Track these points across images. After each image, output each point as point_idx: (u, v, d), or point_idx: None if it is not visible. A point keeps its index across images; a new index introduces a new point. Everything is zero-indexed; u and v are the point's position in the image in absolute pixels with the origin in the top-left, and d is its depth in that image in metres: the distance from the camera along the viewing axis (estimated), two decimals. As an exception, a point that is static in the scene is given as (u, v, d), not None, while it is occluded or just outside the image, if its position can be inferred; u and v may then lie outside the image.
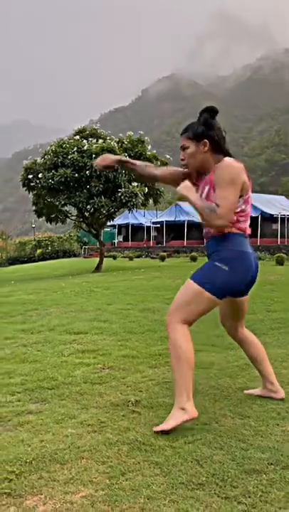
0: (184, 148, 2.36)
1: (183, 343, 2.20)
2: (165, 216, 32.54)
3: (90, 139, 15.13)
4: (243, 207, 2.29)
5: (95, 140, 14.95)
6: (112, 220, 18.90)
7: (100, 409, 2.48)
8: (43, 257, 30.93)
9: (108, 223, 20.13)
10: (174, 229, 31.85)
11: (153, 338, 4.24)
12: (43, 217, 16.68)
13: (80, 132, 15.95)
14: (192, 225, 29.76)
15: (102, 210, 14.84)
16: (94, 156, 14.04)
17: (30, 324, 5.14)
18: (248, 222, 2.35)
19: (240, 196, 2.25)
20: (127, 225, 34.82)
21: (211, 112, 2.33)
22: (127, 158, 2.69)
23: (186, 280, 2.31)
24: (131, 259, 24.18)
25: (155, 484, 1.68)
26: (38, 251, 31.90)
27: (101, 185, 14.36)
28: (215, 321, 4.97)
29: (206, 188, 2.32)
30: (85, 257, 29.34)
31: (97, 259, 16.88)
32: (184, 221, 30.07)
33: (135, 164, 2.61)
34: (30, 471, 1.82)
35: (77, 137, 15.39)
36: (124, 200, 14.54)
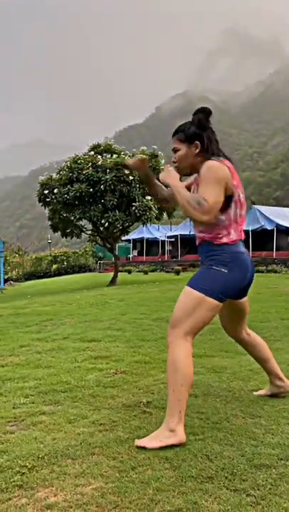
0: (175, 150, 2.28)
1: (183, 361, 2.05)
2: (180, 230, 32.58)
3: (105, 154, 15.37)
4: (238, 211, 2.20)
5: (109, 155, 15.17)
6: (127, 235, 19.02)
7: (111, 410, 2.50)
8: (58, 272, 31.18)
9: (123, 238, 20.27)
10: (189, 242, 31.80)
11: (166, 344, 4.22)
12: (59, 232, 16.88)
13: (94, 148, 16.21)
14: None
15: (116, 224, 14.97)
16: (108, 170, 14.24)
17: (45, 333, 5.20)
18: (243, 226, 2.25)
19: (230, 197, 2.15)
20: (141, 240, 34.94)
21: (204, 113, 2.25)
22: (152, 177, 2.59)
23: (183, 289, 2.19)
24: (146, 273, 24.21)
25: (164, 477, 1.69)
26: (54, 266, 32.20)
27: (115, 200, 14.52)
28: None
29: (196, 189, 2.27)
30: (100, 272, 29.48)
31: (112, 274, 16.96)
32: (195, 235, 30.03)
33: (154, 184, 2.53)
34: (42, 465, 1.85)
35: (92, 153, 15.64)
36: (138, 214, 14.65)
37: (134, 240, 35.13)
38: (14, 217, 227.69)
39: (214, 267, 2.16)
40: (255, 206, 30.25)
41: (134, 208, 14.64)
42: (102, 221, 15.16)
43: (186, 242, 31.92)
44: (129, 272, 25.33)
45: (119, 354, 3.90)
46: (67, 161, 15.45)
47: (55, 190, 14.92)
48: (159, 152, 16.09)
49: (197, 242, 2.33)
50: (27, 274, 32.06)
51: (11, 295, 15.20)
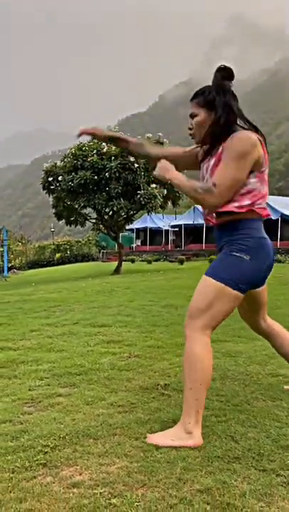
0: (192, 116, 2.06)
1: (203, 358, 1.88)
2: (183, 219, 32.46)
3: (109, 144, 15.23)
4: (258, 185, 1.98)
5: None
6: (131, 223, 18.93)
7: (129, 392, 2.48)
8: (62, 261, 31.15)
9: (126, 227, 20.18)
10: (193, 232, 31.75)
11: (177, 330, 4.22)
12: (63, 221, 16.82)
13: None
14: (211, 228, 29.59)
15: (121, 212, 14.89)
16: (113, 158, 14.13)
17: (54, 319, 5.18)
18: (265, 201, 2.04)
19: (251, 172, 1.95)
20: (145, 229, 34.85)
21: (226, 72, 1.99)
22: (121, 135, 2.40)
23: (202, 278, 2.00)
24: (149, 262, 24.17)
25: (190, 457, 1.67)
26: (57, 255, 32.16)
27: (120, 188, 14.42)
28: (239, 315, 4.94)
29: (212, 162, 2.02)
30: (103, 261, 29.45)
31: (116, 263, 16.93)
32: (203, 224, 29.94)
33: (129, 142, 2.33)
34: (65, 445, 1.83)
35: (96, 140, 15.50)
36: (143, 202, 14.55)
37: (137, 229, 35.06)
38: (16, 206, 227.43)
39: (236, 253, 1.96)
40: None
41: (139, 196, 14.54)
42: (107, 209, 15.08)
43: (190, 232, 31.86)
44: (133, 261, 25.30)
45: (132, 339, 3.87)
46: (71, 148, 15.32)
47: (60, 178, 14.84)
48: (164, 140, 15.95)
49: (213, 224, 2.15)
50: (30, 262, 32.06)
51: (15, 283, 15.21)
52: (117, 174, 14.10)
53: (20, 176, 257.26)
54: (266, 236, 2.05)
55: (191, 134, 2.10)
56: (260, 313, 2.34)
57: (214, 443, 1.78)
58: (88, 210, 16.40)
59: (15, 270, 25.01)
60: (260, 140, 1.96)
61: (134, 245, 35.96)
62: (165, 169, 2.04)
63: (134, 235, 36.26)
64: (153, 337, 3.94)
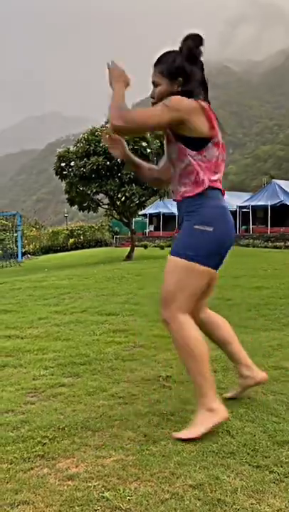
0: (155, 84, 1.96)
1: (190, 339, 1.84)
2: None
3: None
4: (216, 153, 1.90)
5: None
6: (144, 209, 18.87)
7: (131, 384, 2.50)
8: (75, 247, 31.33)
9: (139, 212, 20.14)
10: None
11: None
12: (76, 206, 16.84)
13: (111, 120, 15.94)
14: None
15: (133, 198, 14.85)
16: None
17: (63, 306, 5.24)
18: (219, 174, 1.95)
19: (202, 139, 1.86)
20: (158, 215, 34.74)
21: (194, 40, 1.89)
22: (135, 158, 2.28)
23: (168, 259, 1.92)
24: (162, 248, 24.14)
25: (185, 452, 1.68)
26: (71, 240, 32.34)
27: (132, 173, 14.36)
28: (246, 304, 4.92)
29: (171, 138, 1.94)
30: (116, 247, 29.54)
31: (128, 249, 16.95)
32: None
33: (140, 166, 2.26)
34: (63, 436, 1.86)
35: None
36: (155, 188, 14.49)
37: (150, 214, 34.97)
38: (31, 191, 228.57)
39: (197, 226, 1.86)
40: (275, 181, 29.65)
41: (151, 181, 14.47)
42: (119, 195, 15.06)
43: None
44: (146, 246, 25.30)
45: (138, 328, 3.89)
46: (84, 134, 15.26)
47: (72, 163, 14.83)
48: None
49: (175, 199, 2.04)
50: (44, 247, 32.30)
51: (28, 268, 15.37)
52: (129, 160, 14.01)
53: (34, 160, 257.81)
54: (225, 204, 1.97)
55: (153, 103, 1.97)
56: (203, 301, 2.11)
57: (210, 437, 1.79)
58: (101, 196, 16.40)
59: (29, 255, 25.23)
60: (202, 106, 1.87)
61: (147, 231, 35.92)
62: (119, 77, 1.92)
63: (147, 221, 36.20)
64: (159, 326, 3.94)
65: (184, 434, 1.78)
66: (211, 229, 1.85)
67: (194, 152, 1.89)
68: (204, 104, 1.89)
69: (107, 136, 2.17)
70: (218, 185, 1.94)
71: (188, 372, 1.90)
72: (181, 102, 1.84)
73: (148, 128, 1.96)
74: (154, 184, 2.36)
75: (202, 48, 1.91)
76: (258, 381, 2.15)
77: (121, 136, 2.02)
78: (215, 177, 1.92)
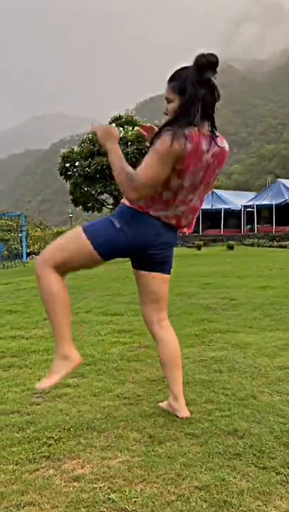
0: (168, 101, 1.89)
1: (53, 286, 1.88)
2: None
3: (126, 126, 15.13)
4: (164, 194, 1.87)
5: (130, 127, 14.93)
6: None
7: (136, 384, 2.50)
8: (79, 247, 31.39)
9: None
10: (211, 217, 31.50)
11: (189, 319, 4.22)
12: (80, 207, 16.88)
13: (116, 120, 15.98)
14: (229, 213, 29.34)
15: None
16: (129, 143, 14.05)
17: (67, 307, 5.24)
18: (174, 213, 1.92)
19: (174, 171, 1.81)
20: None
21: (207, 61, 1.77)
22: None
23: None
24: (167, 247, 24.09)
25: (191, 453, 1.67)
26: (75, 240, 32.40)
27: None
28: (252, 304, 4.90)
29: None
30: (121, 246, 29.55)
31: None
32: (221, 209, 29.68)
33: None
34: (69, 437, 1.86)
35: (114, 125, 15.42)
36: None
37: (154, 214, 34.96)
38: (35, 192, 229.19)
39: (110, 217, 1.95)
40: (279, 180, 29.55)
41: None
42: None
43: (208, 217, 31.61)
44: (150, 246, 25.28)
45: (142, 328, 3.87)
46: (88, 134, 15.30)
47: (77, 164, 14.87)
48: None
49: None
50: (49, 248, 32.35)
51: (33, 269, 15.36)
52: (134, 160, 14.02)
53: (39, 161, 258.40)
54: (156, 223, 1.91)
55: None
56: (154, 307, 2.10)
57: (216, 438, 1.78)
58: (105, 196, 16.44)
59: (33, 256, 25.30)
60: (192, 146, 1.78)
61: (151, 230, 35.89)
62: (108, 135, 1.88)
63: (151, 220, 36.18)
64: (164, 327, 3.95)
65: (42, 383, 1.86)
66: (118, 225, 1.89)
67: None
68: (192, 144, 1.77)
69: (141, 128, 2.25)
70: (153, 213, 1.90)
71: (50, 323, 1.96)
72: (168, 147, 1.75)
73: (161, 182, 1.85)
74: None
75: (215, 69, 1.81)
76: (180, 416, 2.01)
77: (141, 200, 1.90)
78: (155, 212, 1.90)
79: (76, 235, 1.91)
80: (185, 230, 2.06)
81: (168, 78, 1.89)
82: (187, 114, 1.79)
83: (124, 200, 1.97)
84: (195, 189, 1.91)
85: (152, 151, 1.80)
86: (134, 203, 1.88)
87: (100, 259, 1.92)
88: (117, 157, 1.85)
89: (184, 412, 2.02)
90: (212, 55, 1.78)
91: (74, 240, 1.91)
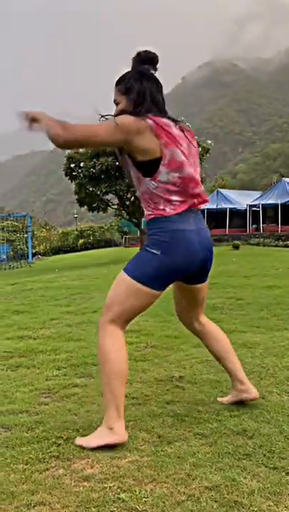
0: (116, 103, 1.96)
1: (112, 352, 1.83)
2: (206, 204, 32.16)
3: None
4: (171, 173, 1.83)
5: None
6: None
7: (144, 384, 2.50)
8: (85, 247, 31.46)
9: (149, 212, 20.14)
10: (216, 217, 31.43)
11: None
12: (85, 207, 16.89)
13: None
14: (234, 212, 29.25)
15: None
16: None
17: (74, 307, 5.25)
18: (182, 194, 1.87)
19: (153, 160, 1.81)
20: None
21: (148, 59, 1.90)
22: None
23: (120, 273, 1.93)
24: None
25: (200, 453, 1.67)
26: (80, 241, 32.48)
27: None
28: (258, 303, 4.89)
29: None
30: (125, 247, 29.57)
31: (138, 249, 16.95)
32: (226, 209, 29.60)
33: None
34: (78, 437, 1.86)
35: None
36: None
37: (159, 214, 34.92)
38: (41, 192, 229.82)
39: (148, 248, 1.86)
40: (285, 179, 29.43)
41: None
42: (128, 195, 15.07)
43: (213, 217, 31.61)
44: (155, 246, 25.25)
45: (149, 328, 3.89)
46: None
47: (82, 164, 14.87)
48: (187, 124, 15.72)
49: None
50: (54, 248, 32.48)
51: (39, 269, 15.45)
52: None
53: (44, 161, 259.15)
54: (190, 228, 1.88)
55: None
56: (196, 311, 2.14)
57: (226, 438, 1.78)
58: (110, 196, 16.44)
59: (39, 256, 25.39)
60: (153, 122, 1.81)
61: (156, 230, 35.84)
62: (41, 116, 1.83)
63: (156, 220, 36.13)
64: (170, 326, 3.94)
65: (82, 440, 1.79)
66: (158, 252, 1.83)
67: (148, 179, 1.86)
68: (153, 120, 1.81)
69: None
70: (180, 207, 1.86)
71: (102, 384, 1.88)
72: (124, 121, 1.80)
73: (91, 145, 1.89)
74: None
75: (155, 65, 1.91)
76: (250, 398, 2.08)
77: (64, 149, 1.94)
78: (175, 197, 1.86)
79: (129, 286, 1.84)
80: (205, 199, 1.97)
81: (115, 83, 1.96)
82: (141, 106, 1.86)
83: (147, 217, 1.93)
84: (193, 161, 1.91)
85: (108, 121, 1.83)
86: (55, 140, 1.79)
87: (160, 293, 1.89)
88: (50, 119, 1.82)
89: (253, 392, 2.08)
90: (150, 51, 1.91)
91: (130, 292, 1.84)
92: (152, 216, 1.89)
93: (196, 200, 1.91)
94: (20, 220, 22.10)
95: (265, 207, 27.44)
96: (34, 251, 24.65)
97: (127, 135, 1.79)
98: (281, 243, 20.89)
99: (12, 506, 1.40)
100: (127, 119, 1.81)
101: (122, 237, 33.54)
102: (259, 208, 27.54)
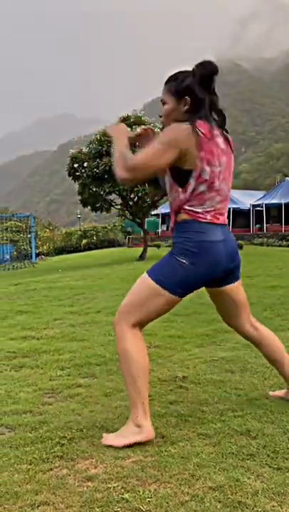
0: (163, 102, 1.95)
1: (136, 352, 1.85)
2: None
3: (134, 127, 15.13)
4: (202, 188, 1.84)
5: (138, 128, 14.93)
6: (156, 209, 18.88)
7: (147, 384, 2.49)
8: (88, 247, 31.48)
9: (152, 212, 20.14)
10: (219, 217, 31.42)
11: (199, 319, 4.22)
12: (88, 207, 16.90)
13: (124, 120, 15.94)
14: (238, 212, 29.21)
15: (146, 198, 14.85)
16: (137, 143, 14.04)
17: (77, 307, 5.26)
18: (215, 207, 1.88)
19: (187, 171, 1.82)
20: (170, 215, 34.69)
21: (208, 67, 1.85)
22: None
23: (142, 275, 1.93)
24: (175, 247, 24.04)
25: (204, 453, 1.67)
26: (84, 241, 32.50)
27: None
28: (262, 304, 4.88)
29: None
30: (129, 247, 29.57)
31: (141, 249, 16.94)
32: (230, 209, 29.55)
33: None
34: (81, 437, 1.87)
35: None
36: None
37: (163, 214, 34.91)
38: (44, 192, 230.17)
39: (176, 256, 1.86)
40: (288, 179, 29.35)
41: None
42: (132, 195, 15.07)
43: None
44: (158, 246, 25.26)
45: (152, 328, 3.88)
46: (96, 134, 15.32)
47: (85, 164, 14.89)
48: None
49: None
50: (57, 248, 32.53)
51: (42, 269, 15.48)
52: (142, 160, 14.03)
53: (48, 162, 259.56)
54: (217, 239, 1.88)
55: (162, 122, 1.99)
56: (242, 316, 2.10)
57: (229, 439, 1.78)
58: (113, 196, 16.44)
59: (43, 256, 25.44)
60: (202, 133, 1.80)
61: (159, 230, 35.88)
62: (118, 130, 1.99)
63: (159, 220, 36.16)
64: (174, 326, 3.95)
65: (109, 439, 1.80)
66: (187, 262, 1.83)
67: (180, 189, 1.87)
68: (202, 128, 1.80)
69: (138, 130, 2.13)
70: (205, 218, 1.87)
71: (126, 385, 1.90)
72: (173, 133, 1.80)
73: (155, 171, 1.89)
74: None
75: (215, 77, 1.87)
76: None
77: (132, 183, 2.01)
78: (199, 209, 1.86)
79: (151, 289, 1.85)
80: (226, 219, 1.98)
81: (165, 81, 1.94)
82: (196, 112, 1.84)
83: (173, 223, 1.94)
84: (224, 176, 1.90)
85: (158, 137, 1.84)
86: (124, 182, 1.89)
87: (180, 299, 1.91)
88: (120, 143, 1.91)
89: None
90: (211, 62, 1.87)
91: (151, 295, 1.85)
92: (182, 219, 1.89)
93: (221, 217, 1.93)
94: (23, 221, 22.15)
95: (268, 207, 27.39)
96: (37, 251, 24.68)
97: (181, 147, 1.78)
98: (285, 243, 20.84)
99: (16, 506, 1.40)
100: (174, 130, 1.80)
101: (126, 237, 33.54)
102: (262, 207, 27.49)
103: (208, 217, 1.87)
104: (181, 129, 1.80)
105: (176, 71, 1.94)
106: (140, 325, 1.91)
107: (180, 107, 1.88)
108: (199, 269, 1.85)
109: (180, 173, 1.85)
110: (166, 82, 1.93)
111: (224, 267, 1.92)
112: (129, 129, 2.19)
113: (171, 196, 1.96)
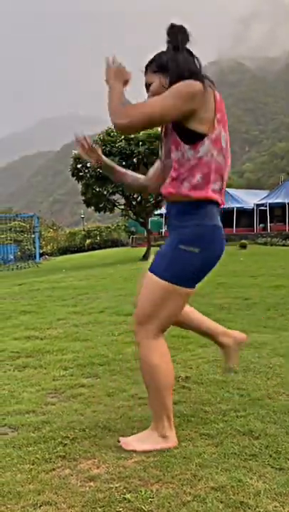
0: (148, 85, 1.79)
1: (161, 364, 1.75)
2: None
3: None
4: (214, 153, 1.67)
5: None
6: (160, 209, 18.88)
7: (150, 384, 2.49)
8: (92, 247, 31.52)
9: (156, 212, 20.14)
10: (223, 216, 31.18)
11: (202, 319, 4.21)
12: (92, 207, 16.92)
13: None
14: (241, 212, 29.15)
15: (149, 198, 14.86)
16: (140, 143, 14.05)
17: (81, 307, 5.27)
18: (221, 182, 1.74)
19: (199, 135, 1.65)
20: (164, 192, 34.59)
21: (181, 31, 1.70)
22: (112, 164, 2.10)
23: (146, 275, 1.76)
24: (179, 247, 24.01)
25: (206, 453, 1.67)
26: (87, 241, 32.54)
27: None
28: (265, 303, 4.87)
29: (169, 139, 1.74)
30: (132, 247, 29.57)
31: (145, 249, 16.94)
32: (233, 208, 29.52)
33: (124, 174, 2.10)
34: (84, 437, 1.87)
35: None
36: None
37: (166, 214, 34.91)
38: (48, 193, 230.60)
39: (182, 246, 1.69)
40: (292, 178, 29.28)
41: (167, 181, 14.45)
42: (135, 195, 15.08)
43: (221, 216, 31.46)
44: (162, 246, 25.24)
45: (156, 328, 3.89)
46: (100, 134, 15.35)
47: (88, 164, 14.90)
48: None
49: (165, 200, 1.86)
50: (61, 248, 32.59)
51: (46, 269, 15.51)
52: (145, 159, 14.03)
53: (51, 162, 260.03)
54: (220, 224, 1.77)
55: None
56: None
57: (232, 439, 1.78)
58: (117, 197, 16.46)
59: (46, 256, 25.48)
60: (213, 92, 1.68)
61: (163, 230, 35.87)
62: (118, 74, 1.74)
63: (163, 220, 36.15)
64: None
65: (129, 443, 1.76)
66: (197, 250, 1.69)
67: (188, 146, 1.68)
68: (214, 89, 1.68)
69: (80, 143, 2.00)
70: (216, 196, 1.73)
71: (149, 398, 1.82)
72: (186, 86, 1.62)
73: (158, 123, 1.69)
74: (139, 190, 2.19)
75: (184, 36, 1.71)
76: (239, 340, 2.09)
77: (127, 134, 1.92)
78: (211, 186, 1.70)
79: (165, 290, 1.70)
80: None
81: (144, 70, 1.80)
82: (184, 70, 1.68)
83: (172, 190, 1.74)
84: (228, 149, 1.75)
85: (167, 91, 1.64)
86: (120, 130, 1.68)
87: (194, 290, 1.79)
88: (115, 93, 1.70)
89: (239, 335, 2.09)
90: (171, 24, 1.71)
91: (166, 296, 1.71)
92: (192, 198, 1.69)
93: (220, 198, 1.76)
94: (27, 221, 22.20)
95: (272, 206, 27.32)
96: (41, 251, 24.73)
97: (197, 103, 1.63)
98: (288, 242, 20.78)
99: (18, 506, 1.41)
100: (194, 85, 1.63)
101: (129, 237, 33.54)
102: (266, 207, 27.42)
103: (217, 195, 1.72)
104: (196, 84, 1.63)
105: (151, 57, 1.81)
106: (163, 331, 1.78)
107: (167, 80, 1.72)
108: (208, 255, 1.72)
109: (188, 133, 1.66)
110: (146, 66, 1.81)
111: (221, 252, 1.80)
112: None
113: (168, 163, 1.77)
